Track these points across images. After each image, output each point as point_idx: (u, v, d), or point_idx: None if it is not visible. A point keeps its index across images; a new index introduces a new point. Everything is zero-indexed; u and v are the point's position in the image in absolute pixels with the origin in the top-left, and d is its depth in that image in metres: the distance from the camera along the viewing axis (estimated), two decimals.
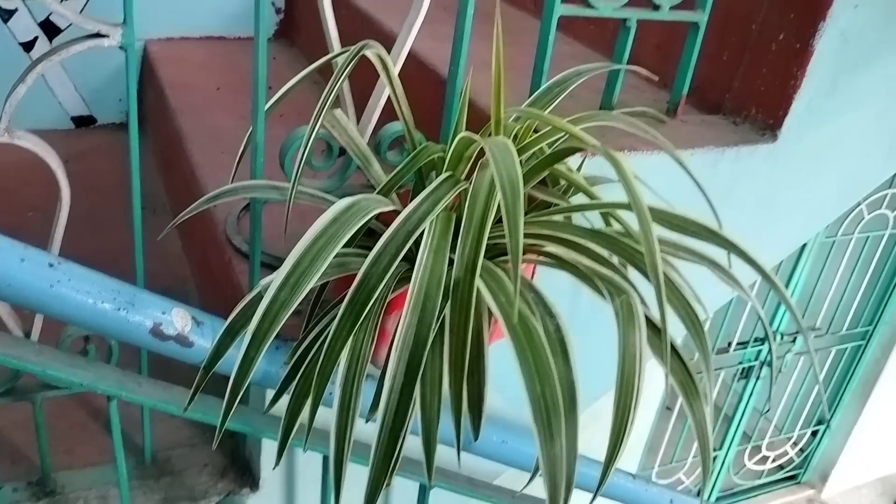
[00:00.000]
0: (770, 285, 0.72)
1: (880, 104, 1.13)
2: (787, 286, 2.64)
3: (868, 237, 2.70)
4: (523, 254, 0.79)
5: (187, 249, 1.49)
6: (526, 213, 0.83)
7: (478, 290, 0.65)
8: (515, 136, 0.84)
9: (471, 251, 0.66)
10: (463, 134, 0.69)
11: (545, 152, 0.83)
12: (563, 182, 0.87)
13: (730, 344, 2.69)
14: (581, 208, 0.76)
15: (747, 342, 2.70)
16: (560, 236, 0.74)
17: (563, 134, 0.83)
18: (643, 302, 0.72)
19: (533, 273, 0.86)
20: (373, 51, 0.74)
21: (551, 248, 0.76)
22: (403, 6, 0.96)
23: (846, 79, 1.08)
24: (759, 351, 2.72)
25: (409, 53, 0.95)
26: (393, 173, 0.78)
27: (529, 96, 0.96)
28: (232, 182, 0.89)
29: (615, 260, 0.73)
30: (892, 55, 1.08)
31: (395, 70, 0.80)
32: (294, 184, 0.78)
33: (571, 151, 0.75)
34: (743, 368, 2.74)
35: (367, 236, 0.80)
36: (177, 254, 1.54)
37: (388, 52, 0.86)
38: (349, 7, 1.63)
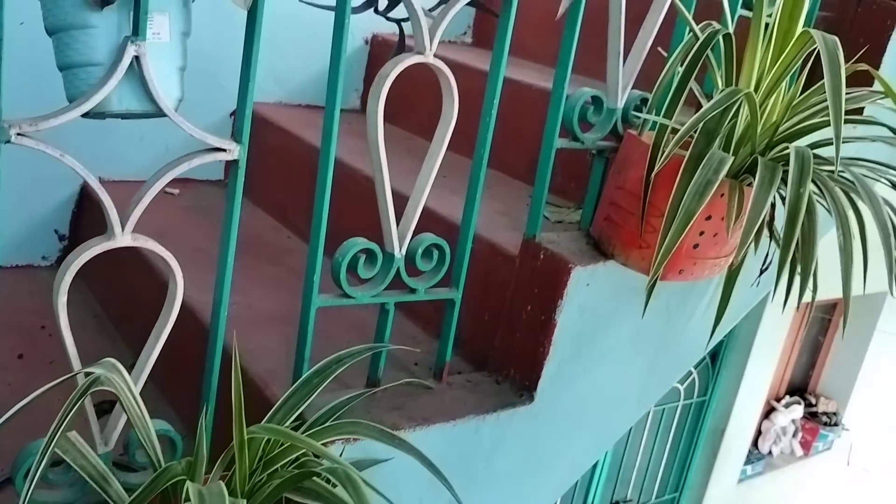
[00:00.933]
0: None
1: (622, 361, 1.26)
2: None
3: (664, 409, 2.91)
4: None
5: None
6: None
7: None
8: (268, 441, 0.84)
9: None
10: (188, 485, 0.68)
11: (308, 456, 0.84)
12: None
13: None
14: None
15: None
16: None
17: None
18: None
19: None
20: (110, 383, 0.73)
21: None
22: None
23: (589, 343, 1.20)
24: None
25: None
26: (131, 499, 0.75)
27: (293, 382, 0.98)
28: None
29: None
30: (623, 321, 1.22)
31: (138, 388, 0.79)
32: None
33: (318, 473, 0.76)
34: None
35: None
36: None
37: None
38: (139, 259, 1.61)
